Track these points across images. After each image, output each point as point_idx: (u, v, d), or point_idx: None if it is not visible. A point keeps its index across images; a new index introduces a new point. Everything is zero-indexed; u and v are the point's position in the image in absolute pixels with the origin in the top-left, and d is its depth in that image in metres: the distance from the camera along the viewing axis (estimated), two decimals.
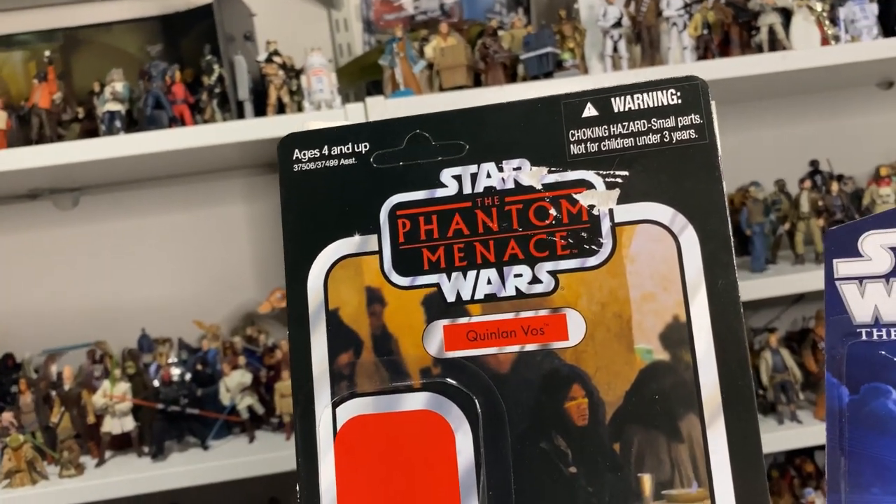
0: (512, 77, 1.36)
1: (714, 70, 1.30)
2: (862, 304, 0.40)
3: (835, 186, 1.40)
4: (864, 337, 0.40)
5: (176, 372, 1.31)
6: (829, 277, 0.41)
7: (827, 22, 1.36)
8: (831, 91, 1.69)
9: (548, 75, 1.31)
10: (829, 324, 0.41)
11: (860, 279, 0.41)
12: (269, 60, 1.34)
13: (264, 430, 1.36)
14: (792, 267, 1.42)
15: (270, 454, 1.26)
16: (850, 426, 0.41)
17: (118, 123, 1.31)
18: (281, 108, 1.34)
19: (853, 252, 0.41)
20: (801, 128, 1.69)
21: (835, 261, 0.41)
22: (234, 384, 1.31)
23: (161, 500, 1.50)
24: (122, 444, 1.33)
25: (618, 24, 1.35)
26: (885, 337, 0.40)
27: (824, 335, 0.41)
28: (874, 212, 1.40)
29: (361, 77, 1.56)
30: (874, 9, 1.35)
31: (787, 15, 1.36)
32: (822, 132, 1.69)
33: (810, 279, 1.36)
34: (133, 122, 1.36)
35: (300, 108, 1.34)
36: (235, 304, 1.60)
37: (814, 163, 1.54)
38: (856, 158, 1.66)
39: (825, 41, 1.36)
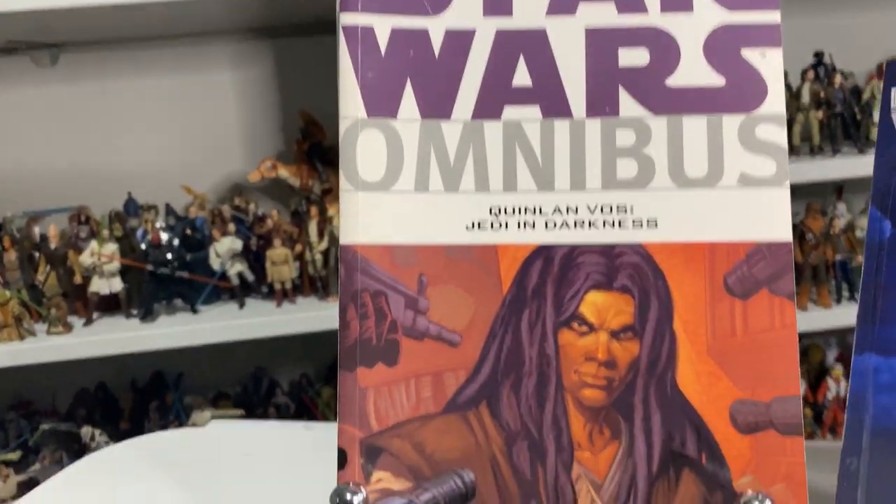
0: None
1: None
2: None
3: (837, 79, 1.38)
4: None
5: (164, 236, 1.29)
6: (885, 107, 0.40)
7: None
8: None
9: None
10: (879, 156, 0.40)
11: None
12: None
13: (254, 298, 1.36)
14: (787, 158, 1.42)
15: (260, 319, 1.27)
16: (889, 260, 0.41)
17: None
18: None
19: None
20: (803, 20, 1.65)
21: (893, 90, 0.40)
22: (224, 250, 1.30)
23: (148, 362, 1.51)
24: (109, 305, 1.32)
25: None
26: None
27: (873, 170, 0.40)
28: (874, 107, 1.40)
29: None
30: None
31: None
32: (825, 26, 1.66)
33: (804, 171, 1.36)
34: None
35: None
36: (222, 173, 1.57)
37: (818, 55, 1.52)
38: (855, 56, 1.63)
39: None
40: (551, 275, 0.43)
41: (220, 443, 0.68)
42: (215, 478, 0.60)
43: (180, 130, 1.57)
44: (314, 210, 1.33)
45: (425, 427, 0.43)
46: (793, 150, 1.44)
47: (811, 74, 1.40)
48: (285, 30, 1.54)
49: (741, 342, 0.41)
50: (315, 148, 1.45)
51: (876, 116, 1.40)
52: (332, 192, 1.41)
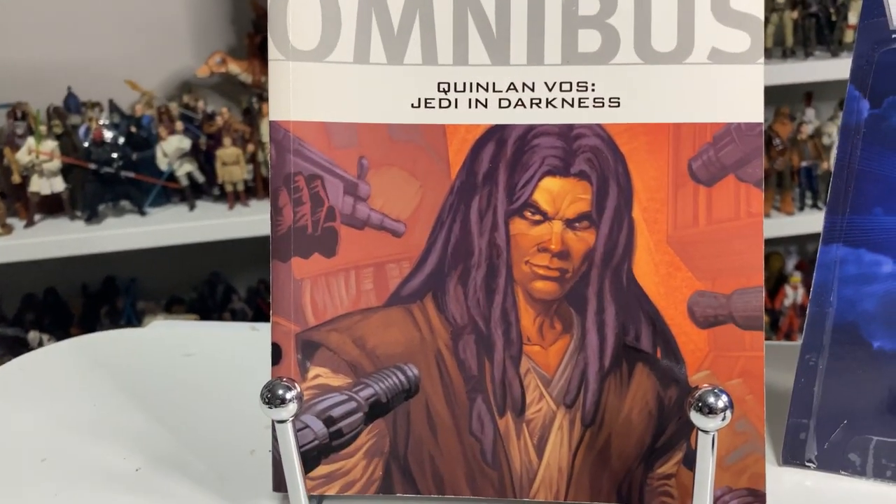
0: None
1: None
2: None
3: None
4: None
5: (108, 134, 1.22)
6: None
7: None
8: None
9: None
10: (862, 29, 0.37)
11: None
12: None
13: (205, 200, 1.31)
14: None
15: (211, 222, 1.22)
16: (865, 143, 0.38)
17: None
18: None
19: None
20: None
21: None
22: (171, 149, 1.24)
23: (99, 267, 1.46)
24: (52, 207, 1.26)
25: None
26: None
27: (854, 45, 0.37)
28: (851, 8, 1.35)
29: None
30: None
31: None
32: None
33: (774, 75, 1.33)
34: None
35: None
36: (169, 68, 1.48)
37: None
38: None
39: None
40: (504, 158, 0.39)
41: (161, 343, 0.65)
42: (152, 377, 0.57)
43: (125, 21, 1.47)
44: (267, 108, 1.27)
45: (366, 321, 0.40)
46: (764, 53, 1.40)
47: None
48: None
49: (704, 231, 0.39)
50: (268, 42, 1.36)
51: (852, 19, 1.36)
52: None
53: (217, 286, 1.53)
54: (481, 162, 0.39)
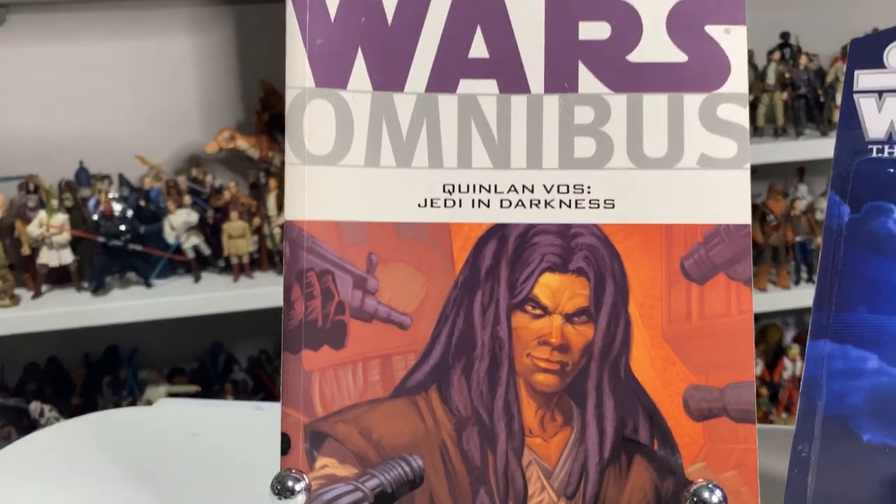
0: None
1: None
2: (878, 120, 0.39)
3: (803, 60, 1.39)
4: (874, 154, 0.39)
5: (117, 207, 1.25)
6: (848, 89, 0.39)
7: None
8: None
9: None
10: (840, 139, 0.40)
11: (880, 92, 0.39)
12: None
13: (210, 272, 1.33)
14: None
15: (216, 294, 1.24)
16: (847, 245, 0.40)
17: None
18: None
19: (877, 63, 0.39)
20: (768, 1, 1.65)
21: (856, 72, 0.39)
22: (179, 222, 1.26)
23: (101, 337, 1.47)
24: (60, 278, 1.28)
25: None
26: (895, 154, 0.39)
27: (833, 153, 0.39)
28: (838, 90, 1.40)
29: None
30: None
31: None
32: (791, 6, 1.66)
33: (767, 152, 1.37)
34: None
35: None
36: (179, 143, 1.52)
37: (784, 35, 1.51)
38: (820, 38, 1.64)
39: None
40: (505, 255, 0.41)
41: (167, 422, 0.66)
42: (160, 458, 0.58)
43: (135, 98, 1.52)
44: (273, 182, 1.30)
45: (372, 412, 0.41)
46: (757, 131, 1.44)
47: (777, 55, 1.40)
48: None
49: (697, 327, 0.40)
50: (275, 119, 1.41)
51: (839, 99, 1.41)
52: None
53: (219, 356, 1.54)
54: (484, 258, 0.41)
